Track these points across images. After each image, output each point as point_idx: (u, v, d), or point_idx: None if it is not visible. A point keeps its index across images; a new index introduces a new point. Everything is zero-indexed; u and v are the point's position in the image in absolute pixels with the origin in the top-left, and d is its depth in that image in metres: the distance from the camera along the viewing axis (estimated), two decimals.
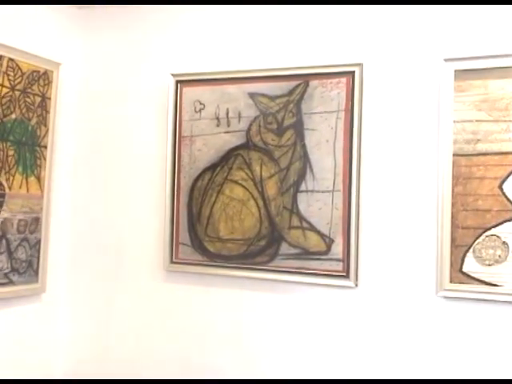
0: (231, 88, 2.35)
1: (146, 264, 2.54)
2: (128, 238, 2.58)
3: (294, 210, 2.25)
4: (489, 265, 1.99)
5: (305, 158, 2.24)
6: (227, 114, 2.36)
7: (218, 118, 2.37)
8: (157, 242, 2.51)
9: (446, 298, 2.05)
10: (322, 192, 2.20)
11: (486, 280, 1.99)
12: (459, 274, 2.02)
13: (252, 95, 2.32)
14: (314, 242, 2.22)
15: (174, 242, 2.44)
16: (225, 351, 2.39)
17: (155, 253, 2.51)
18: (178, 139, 2.43)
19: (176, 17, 2.52)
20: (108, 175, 2.63)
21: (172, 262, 2.44)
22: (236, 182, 2.34)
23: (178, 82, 2.43)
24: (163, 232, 2.47)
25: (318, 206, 2.21)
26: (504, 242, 1.98)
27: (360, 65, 2.16)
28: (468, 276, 2.01)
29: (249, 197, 2.32)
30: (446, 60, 2.05)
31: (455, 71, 2.04)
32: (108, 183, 2.63)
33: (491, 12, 2.03)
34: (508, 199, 1.97)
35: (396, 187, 2.14)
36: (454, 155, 2.04)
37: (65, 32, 2.66)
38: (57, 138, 2.55)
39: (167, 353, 2.48)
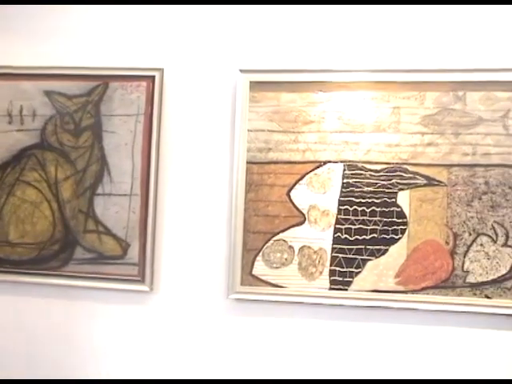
0: (26, 84, 2.22)
1: None
2: None
3: (89, 213, 2.18)
4: (276, 267, 2.09)
5: (102, 161, 2.18)
6: (21, 111, 2.23)
7: (10, 115, 2.23)
8: None
9: (236, 300, 2.12)
10: (120, 195, 2.17)
11: (273, 282, 2.09)
12: (249, 276, 2.10)
13: (48, 93, 2.21)
14: (109, 246, 2.17)
15: None
16: (11, 360, 2.25)
17: None
18: None
19: None
20: None
21: None
22: (28, 184, 2.22)
23: None
24: None
25: (114, 210, 2.17)
26: (290, 246, 2.09)
27: (161, 70, 2.17)
28: (257, 278, 2.10)
29: (42, 199, 2.21)
30: (241, 71, 2.12)
31: (250, 82, 2.12)
32: None
33: (285, 27, 2.15)
34: (294, 206, 2.09)
35: (192, 192, 2.18)
36: (247, 163, 2.11)
37: None
38: None
39: None
